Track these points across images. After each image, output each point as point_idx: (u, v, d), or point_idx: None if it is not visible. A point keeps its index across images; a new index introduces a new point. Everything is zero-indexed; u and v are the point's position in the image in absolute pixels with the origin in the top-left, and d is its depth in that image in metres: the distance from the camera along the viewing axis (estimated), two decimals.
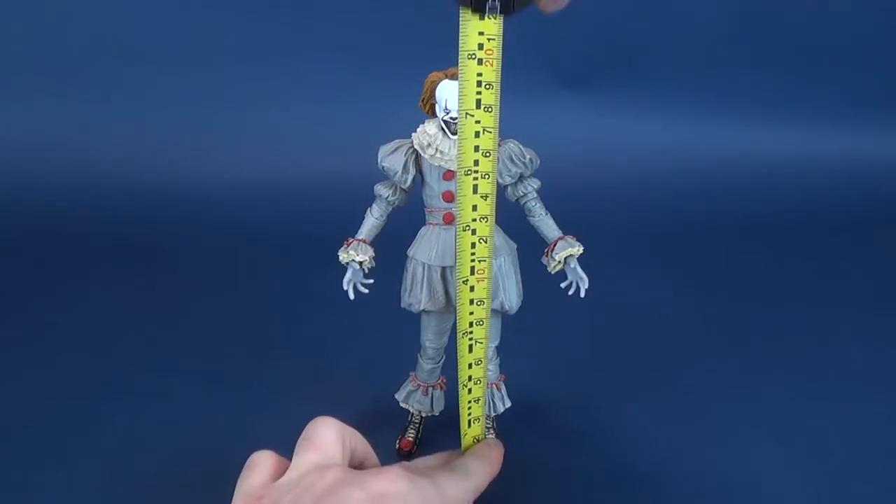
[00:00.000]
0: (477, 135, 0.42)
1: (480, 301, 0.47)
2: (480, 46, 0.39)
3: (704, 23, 1.19)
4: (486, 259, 0.46)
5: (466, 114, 0.41)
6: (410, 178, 0.53)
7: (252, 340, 0.77)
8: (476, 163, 0.43)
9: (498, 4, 0.33)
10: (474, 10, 0.34)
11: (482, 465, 0.46)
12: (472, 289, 0.46)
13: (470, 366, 0.49)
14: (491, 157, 0.42)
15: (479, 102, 0.40)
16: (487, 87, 0.40)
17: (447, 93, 0.50)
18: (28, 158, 1.13)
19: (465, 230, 0.45)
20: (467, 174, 0.43)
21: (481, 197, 0.44)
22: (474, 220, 0.44)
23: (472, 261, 0.46)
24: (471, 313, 0.47)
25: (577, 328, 0.77)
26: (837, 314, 0.84)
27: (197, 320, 0.81)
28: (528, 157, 0.53)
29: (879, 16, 1.18)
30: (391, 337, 0.64)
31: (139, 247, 1.00)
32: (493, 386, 0.60)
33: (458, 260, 0.46)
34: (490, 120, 0.41)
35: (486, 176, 0.43)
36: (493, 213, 0.45)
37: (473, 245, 0.45)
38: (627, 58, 1.21)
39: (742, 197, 1.16)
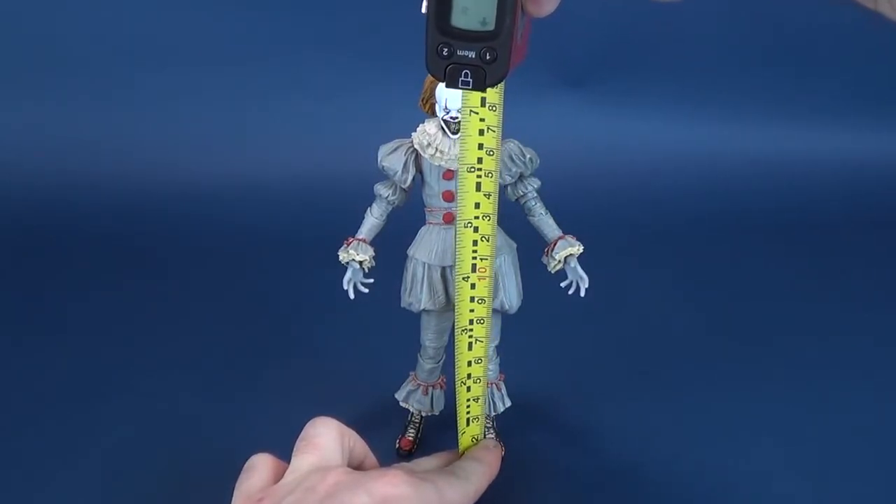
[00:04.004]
0: (481, 133, 0.42)
1: (482, 299, 0.47)
2: None
3: (707, 22, 1.19)
4: (489, 257, 0.46)
5: (471, 111, 0.41)
6: (410, 177, 0.53)
7: (251, 340, 0.77)
8: (479, 160, 0.43)
9: (470, 81, 0.33)
10: (447, 86, 0.34)
11: (481, 468, 0.46)
12: (472, 286, 0.46)
13: (469, 363, 0.49)
14: (494, 156, 0.43)
15: (483, 101, 0.41)
16: None
17: (447, 92, 0.50)
18: (27, 158, 1.13)
19: (466, 227, 0.45)
20: (470, 171, 0.43)
21: (484, 195, 0.44)
22: (476, 217, 0.45)
23: (474, 258, 0.46)
24: (471, 311, 0.47)
25: (578, 328, 0.77)
26: (838, 313, 0.84)
27: (195, 320, 0.81)
28: (528, 156, 0.53)
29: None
30: (391, 337, 0.64)
31: (138, 246, 0.99)
32: (494, 385, 0.60)
33: (458, 256, 0.46)
34: (494, 118, 0.41)
35: (490, 174, 0.43)
36: (496, 212, 0.45)
37: (475, 243, 0.45)
38: (629, 57, 1.21)
39: (744, 196, 1.15)
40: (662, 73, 1.22)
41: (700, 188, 1.17)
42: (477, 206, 0.44)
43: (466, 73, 0.33)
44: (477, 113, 0.41)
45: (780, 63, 1.23)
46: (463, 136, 0.42)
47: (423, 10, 0.33)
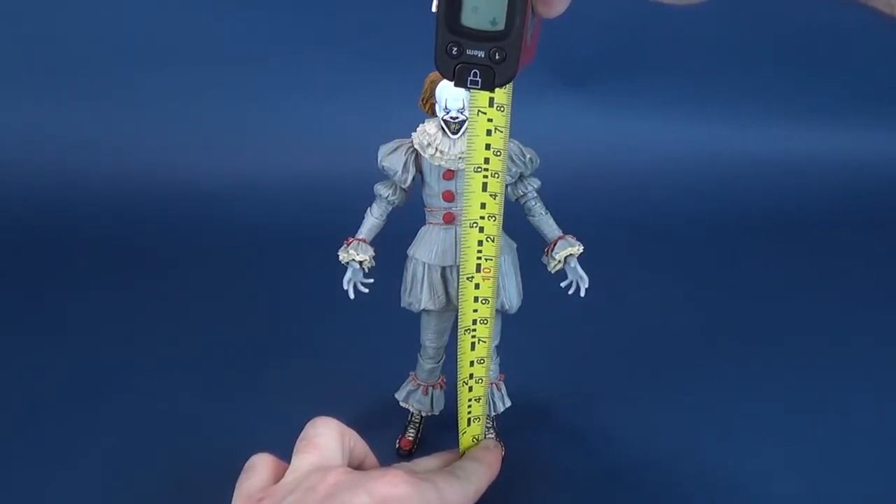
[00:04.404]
0: (488, 133, 0.42)
1: (486, 299, 0.47)
2: None
3: (707, 22, 1.19)
4: (493, 258, 0.46)
5: (479, 111, 0.41)
6: (410, 177, 0.53)
7: (251, 340, 0.77)
8: (486, 161, 0.43)
9: (479, 81, 0.33)
10: (456, 85, 0.34)
11: (481, 468, 0.46)
12: (476, 286, 0.47)
13: (472, 363, 0.49)
14: (501, 157, 0.43)
15: (491, 101, 0.41)
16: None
17: (447, 92, 0.50)
18: (27, 158, 1.13)
19: (472, 227, 0.45)
20: (477, 171, 0.43)
21: (490, 195, 0.44)
22: (482, 217, 0.45)
23: (479, 259, 0.46)
24: (475, 311, 0.47)
25: (578, 328, 0.77)
26: (838, 313, 0.84)
27: (195, 320, 0.81)
28: (527, 156, 0.53)
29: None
30: (391, 337, 0.64)
31: (138, 246, 0.99)
32: (494, 385, 0.60)
33: (463, 256, 0.46)
34: (502, 119, 0.42)
35: (496, 175, 0.44)
36: (502, 212, 0.45)
37: (480, 243, 0.45)
38: (629, 57, 1.21)
39: (744, 196, 1.15)
40: (662, 73, 1.22)
41: (700, 188, 1.16)
42: (483, 206, 0.44)
43: (475, 72, 0.33)
44: (485, 113, 0.41)
45: (780, 63, 1.23)
46: (470, 136, 0.42)
47: (434, 8, 0.33)
